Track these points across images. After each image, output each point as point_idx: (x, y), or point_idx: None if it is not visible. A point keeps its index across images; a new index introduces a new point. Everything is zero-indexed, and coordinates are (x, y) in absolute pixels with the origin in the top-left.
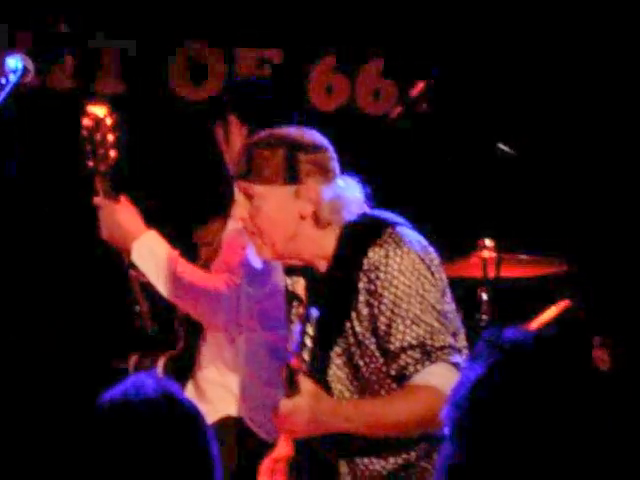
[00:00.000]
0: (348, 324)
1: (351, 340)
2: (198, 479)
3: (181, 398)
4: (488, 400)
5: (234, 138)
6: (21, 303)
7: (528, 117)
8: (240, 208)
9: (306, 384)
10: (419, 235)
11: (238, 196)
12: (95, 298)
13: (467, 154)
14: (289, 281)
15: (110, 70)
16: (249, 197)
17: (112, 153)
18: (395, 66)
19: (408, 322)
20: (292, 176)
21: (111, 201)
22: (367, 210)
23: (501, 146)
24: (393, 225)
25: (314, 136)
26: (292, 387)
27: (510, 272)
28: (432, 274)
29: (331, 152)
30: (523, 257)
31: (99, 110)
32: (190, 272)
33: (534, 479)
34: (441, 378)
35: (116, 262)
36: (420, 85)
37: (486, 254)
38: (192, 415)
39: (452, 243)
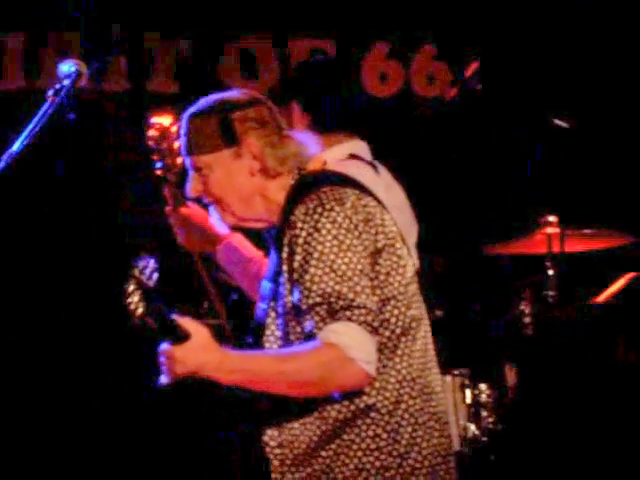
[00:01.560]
0: (277, 283)
1: (277, 298)
2: None
3: None
4: None
5: (297, 126)
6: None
7: (585, 89)
8: (194, 182)
9: (198, 334)
10: (367, 196)
11: (190, 172)
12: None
13: (526, 132)
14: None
15: (163, 69)
16: (198, 170)
17: (179, 160)
18: (447, 49)
19: (316, 279)
20: (230, 138)
21: (181, 207)
22: (327, 168)
23: (557, 121)
24: (328, 183)
25: (247, 92)
26: (178, 335)
27: (575, 247)
28: (359, 234)
29: (268, 104)
30: (587, 231)
31: (164, 119)
32: None
33: None
34: (344, 337)
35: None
36: (474, 65)
37: (550, 230)
38: None
39: (516, 221)
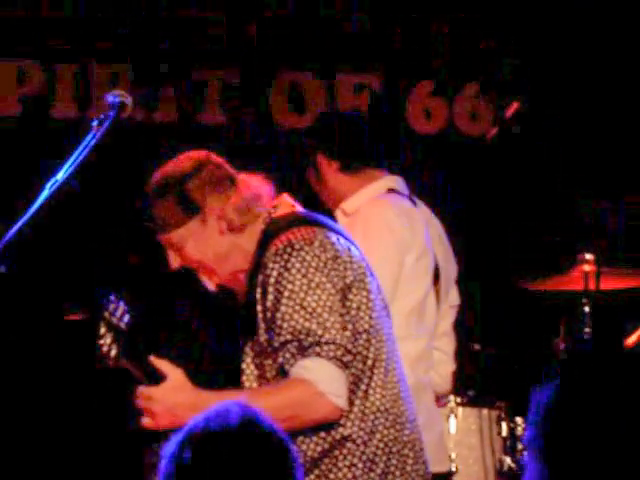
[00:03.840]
0: (253, 323)
1: (254, 337)
2: None
3: (265, 426)
4: (562, 417)
5: (326, 176)
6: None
7: (629, 130)
8: (171, 257)
9: (172, 374)
10: (334, 234)
11: (168, 248)
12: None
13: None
14: None
15: (212, 101)
16: (172, 246)
17: None
18: (491, 88)
19: (287, 317)
20: (191, 209)
21: None
22: (296, 210)
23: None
24: (297, 224)
25: (192, 157)
26: (152, 376)
27: (611, 285)
28: (327, 272)
29: (213, 161)
30: (623, 270)
31: None
32: None
33: None
34: (313, 372)
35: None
36: (514, 105)
37: (587, 268)
38: (276, 446)
39: (554, 258)
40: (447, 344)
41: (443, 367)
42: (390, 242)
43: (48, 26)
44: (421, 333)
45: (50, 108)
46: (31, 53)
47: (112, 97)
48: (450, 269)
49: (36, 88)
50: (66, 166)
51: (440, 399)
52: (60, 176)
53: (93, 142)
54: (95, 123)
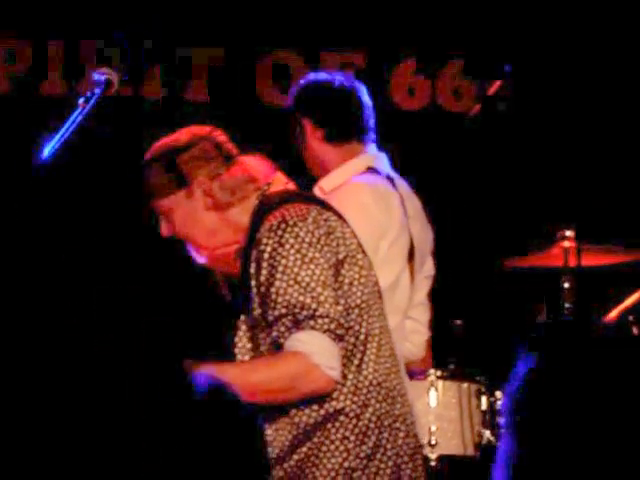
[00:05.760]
0: (247, 297)
1: (247, 312)
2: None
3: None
4: (542, 391)
5: (310, 142)
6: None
7: (612, 105)
8: (163, 224)
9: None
10: (327, 211)
11: (159, 215)
12: None
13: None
14: None
15: (198, 78)
16: (162, 214)
17: None
18: (474, 65)
19: (281, 291)
20: (179, 181)
21: None
22: (290, 188)
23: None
24: (290, 201)
25: (192, 131)
26: None
27: (591, 261)
28: (321, 247)
29: (213, 138)
30: (603, 246)
31: None
32: None
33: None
34: (308, 345)
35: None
36: (497, 84)
37: (567, 244)
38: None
39: (534, 234)
40: (422, 313)
41: (417, 336)
42: (365, 227)
43: (37, 4)
44: (391, 310)
45: (39, 86)
46: (20, 31)
47: (98, 75)
48: (426, 243)
49: (25, 66)
50: (53, 141)
51: (416, 371)
52: (46, 153)
53: (80, 119)
54: (82, 100)
